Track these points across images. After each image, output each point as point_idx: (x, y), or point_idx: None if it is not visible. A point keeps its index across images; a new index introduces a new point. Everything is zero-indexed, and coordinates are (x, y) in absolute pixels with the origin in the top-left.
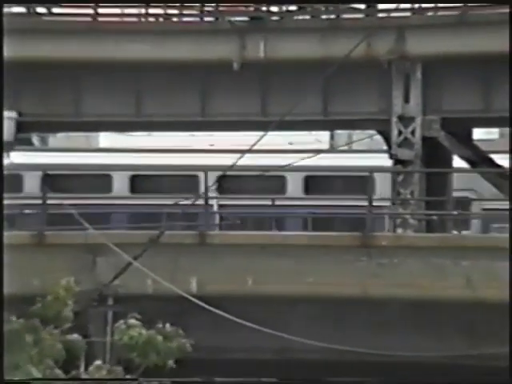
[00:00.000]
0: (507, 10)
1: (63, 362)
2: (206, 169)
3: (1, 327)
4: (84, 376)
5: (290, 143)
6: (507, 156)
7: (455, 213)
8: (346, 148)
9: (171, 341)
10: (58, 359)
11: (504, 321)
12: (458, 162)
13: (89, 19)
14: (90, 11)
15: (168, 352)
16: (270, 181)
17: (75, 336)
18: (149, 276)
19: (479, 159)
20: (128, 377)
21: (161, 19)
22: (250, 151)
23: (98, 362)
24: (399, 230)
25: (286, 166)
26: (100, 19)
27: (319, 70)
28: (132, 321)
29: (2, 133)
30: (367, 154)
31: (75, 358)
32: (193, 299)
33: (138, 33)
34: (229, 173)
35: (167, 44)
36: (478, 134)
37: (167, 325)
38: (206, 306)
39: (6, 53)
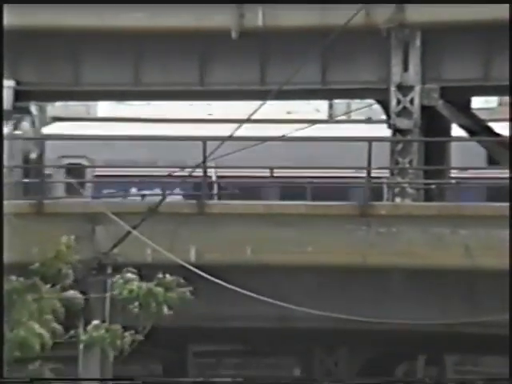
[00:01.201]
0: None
1: (63, 320)
2: (204, 139)
3: (1, 327)
4: (82, 336)
5: (288, 112)
6: (506, 124)
7: (454, 182)
8: (344, 118)
9: (171, 291)
10: (57, 316)
11: (503, 289)
12: (456, 131)
13: None
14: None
15: (169, 302)
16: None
17: (74, 292)
18: (148, 245)
19: (478, 128)
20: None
21: None
22: (248, 121)
23: (96, 321)
24: (397, 199)
25: (282, 136)
26: None
27: (318, 39)
28: (129, 275)
29: (1, 129)
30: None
31: (75, 315)
32: (192, 268)
33: (136, 1)
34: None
35: (165, 12)
36: (477, 102)
37: (167, 275)
38: (205, 275)
39: (4, 21)
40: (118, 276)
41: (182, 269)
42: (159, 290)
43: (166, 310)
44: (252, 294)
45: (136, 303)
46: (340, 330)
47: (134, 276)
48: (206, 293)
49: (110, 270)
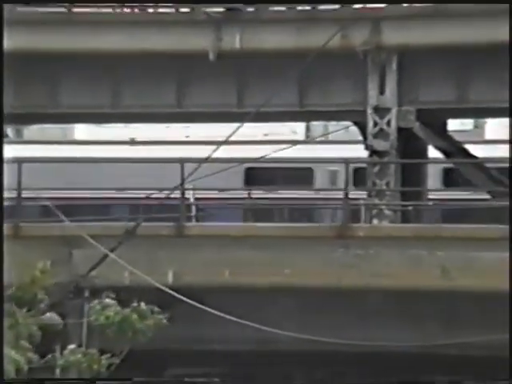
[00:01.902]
0: (483, 2)
1: (39, 345)
2: (182, 160)
3: (1, 327)
4: (59, 361)
5: (266, 134)
6: (482, 147)
7: (430, 203)
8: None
9: (147, 319)
10: (33, 341)
11: (480, 310)
12: (433, 153)
13: (64, 10)
14: (66, 2)
15: (145, 329)
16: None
17: (49, 315)
18: (126, 268)
19: (454, 150)
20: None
21: (136, 10)
22: (225, 143)
23: (73, 346)
24: (375, 221)
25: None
26: (76, 10)
27: (295, 61)
28: (107, 300)
29: (2, 131)
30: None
31: (52, 339)
32: (169, 291)
33: (113, 23)
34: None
35: (143, 35)
36: (453, 125)
37: (142, 303)
38: (183, 298)
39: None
40: (96, 301)
41: (160, 291)
42: (135, 317)
43: (141, 337)
44: (230, 317)
45: (112, 329)
46: (318, 352)
47: (111, 301)
48: (184, 315)
49: (87, 293)
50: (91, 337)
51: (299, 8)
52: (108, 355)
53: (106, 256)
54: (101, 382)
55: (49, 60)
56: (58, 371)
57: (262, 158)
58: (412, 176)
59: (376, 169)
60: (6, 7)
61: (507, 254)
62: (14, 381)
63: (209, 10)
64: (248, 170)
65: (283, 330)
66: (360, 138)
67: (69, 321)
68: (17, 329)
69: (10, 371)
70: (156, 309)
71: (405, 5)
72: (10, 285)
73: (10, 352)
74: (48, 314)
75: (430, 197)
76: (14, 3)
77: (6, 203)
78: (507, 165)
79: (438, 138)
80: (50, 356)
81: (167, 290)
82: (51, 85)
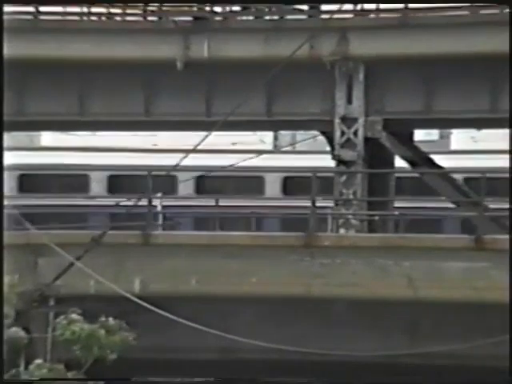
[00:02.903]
0: (446, 13)
1: (4, 360)
2: (149, 169)
3: (1, 328)
4: (24, 375)
5: (234, 143)
6: (446, 157)
7: (396, 213)
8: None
9: (114, 334)
10: None
11: (444, 320)
12: (399, 163)
13: (31, 17)
14: (32, 9)
15: (111, 345)
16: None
17: (15, 329)
18: (91, 276)
19: (420, 160)
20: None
21: (103, 18)
22: (193, 151)
23: (39, 361)
24: (342, 231)
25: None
26: (42, 17)
27: (263, 71)
28: (73, 315)
29: (2, 135)
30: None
31: (16, 355)
32: (136, 299)
33: (80, 31)
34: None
35: (110, 43)
36: (419, 135)
37: (110, 319)
38: (149, 307)
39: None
40: (62, 317)
41: (126, 300)
42: (101, 333)
43: (108, 353)
44: (196, 326)
45: (78, 345)
46: (284, 360)
47: (77, 317)
48: (150, 324)
49: (52, 302)
50: (56, 349)
51: (267, 17)
52: (74, 372)
53: (71, 264)
54: (101, 382)
55: (16, 67)
56: None
57: (229, 166)
58: (378, 186)
59: (343, 178)
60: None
61: (472, 264)
62: (14, 381)
63: (177, 18)
64: (198, 178)
65: (249, 338)
66: (324, 147)
67: (34, 334)
68: None
69: None
70: (124, 325)
71: (372, 16)
72: None
73: None
74: (13, 329)
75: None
76: (14, 3)
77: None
78: (473, 175)
79: (404, 147)
80: (14, 371)
81: (134, 298)
82: (18, 92)
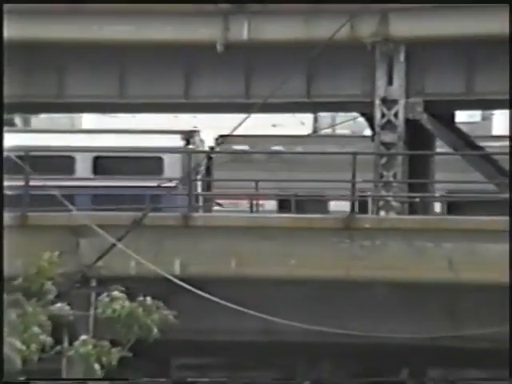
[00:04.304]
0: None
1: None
2: (189, 151)
3: (1, 327)
4: (69, 351)
5: (274, 125)
6: (489, 139)
7: (437, 195)
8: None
9: (151, 313)
10: (44, 329)
11: (486, 303)
12: (440, 144)
13: (72, 0)
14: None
15: (150, 324)
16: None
17: (60, 305)
18: (132, 258)
19: (462, 142)
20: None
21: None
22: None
23: (84, 337)
24: (382, 213)
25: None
26: (83, 0)
27: (303, 53)
28: (115, 293)
29: (2, 121)
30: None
31: (60, 331)
32: (176, 281)
33: (121, 14)
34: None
35: (150, 25)
36: (461, 116)
37: (148, 298)
38: (189, 288)
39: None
40: (105, 294)
41: (166, 281)
42: (141, 311)
43: (149, 332)
44: (236, 307)
45: (119, 324)
46: (324, 343)
47: (120, 294)
48: (190, 305)
49: (94, 283)
50: (98, 328)
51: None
52: (119, 348)
53: (113, 245)
54: (101, 382)
55: (57, 50)
56: (64, 362)
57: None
58: (419, 168)
59: (383, 160)
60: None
61: None
62: (13, 381)
63: (217, 0)
64: (96, 158)
65: (289, 320)
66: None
67: (76, 312)
68: (26, 319)
69: (16, 361)
70: (161, 304)
71: None
72: (16, 274)
73: (16, 343)
74: (58, 305)
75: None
76: (14, 3)
77: (13, 192)
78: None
79: (445, 129)
80: (59, 346)
81: (174, 279)
82: (59, 74)
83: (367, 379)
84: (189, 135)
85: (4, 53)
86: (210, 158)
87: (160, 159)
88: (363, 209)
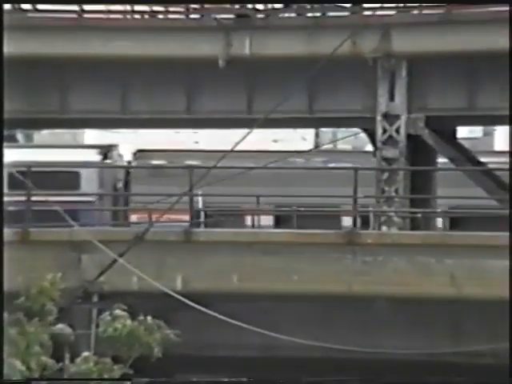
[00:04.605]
0: (491, 9)
1: (50, 355)
2: (191, 167)
3: (1, 327)
4: (71, 368)
5: (275, 141)
6: (491, 154)
7: (439, 210)
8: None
9: (153, 333)
10: (46, 350)
11: (488, 318)
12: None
13: (74, 16)
14: (76, 8)
15: (152, 343)
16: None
17: (61, 326)
18: (134, 273)
19: (463, 157)
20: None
21: (146, 16)
22: (232, 151)
23: (86, 353)
24: (384, 228)
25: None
26: (85, 16)
27: (305, 68)
28: (118, 311)
29: (2, 134)
30: None
31: (61, 350)
32: (178, 296)
33: (123, 30)
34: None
35: (153, 41)
36: (462, 132)
37: (148, 317)
38: (191, 303)
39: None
40: (107, 313)
41: (168, 297)
42: (141, 330)
43: (151, 350)
44: (238, 323)
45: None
46: (325, 359)
47: (122, 313)
48: (192, 321)
49: (95, 299)
50: (99, 345)
51: (309, 14)
52: (121, 365)
53: (114, 261)
54: (101, 382)
55: (59, 65)
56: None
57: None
58: (421, 183)
59: (385, 176)
60: (16, 14)
61: None
62: (13, 381)
63: (219, 16)
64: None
65: (291, 336)
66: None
67: (78, 330)
68: (26, 338)
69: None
70: (162, 324)
71: (415, 12)
72: (18, 291)
73: (16, 364)
74: (59, 325)
75: None
76: (15, 3)
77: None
78: None
79: (447, 145)
80: (61, 364)
81: (175, 295)
82: (61, 90)
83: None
84: (106, 150)
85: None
86: (128, 173)
87: (77, 174)
88: (365, 224)
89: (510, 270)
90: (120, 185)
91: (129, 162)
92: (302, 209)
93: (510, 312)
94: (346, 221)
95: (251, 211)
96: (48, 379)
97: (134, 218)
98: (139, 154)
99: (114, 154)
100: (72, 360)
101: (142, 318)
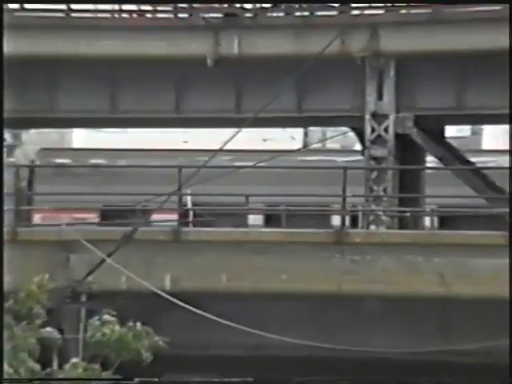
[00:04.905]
0: (479, 8)
1: (37, 359)
2: (179, 166)
3: (1, 328)
4: (59, 374)
5: (264, 140)
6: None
7: (427, 209)
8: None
9: (141, 339)
10: (32, 354)
11: (476, 317)
12: (430, 159)
13: (62, 15)
14: (64, 7)
15: (140, 350)
16: None
17: (49, 330)
18: (123, 273)
19: (451, 156)
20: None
21: (134, 15)
22: (221, 150)
23: (74, 360)
24: (372, 227)
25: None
26: (74, 15)
27: (293, 67)
28: (107, 317)
29: (2, 134)
30: None
31: (49, 353)
32: (166, 296)
33: (112, 29)
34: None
35: (141, 40)
36: (451, 131)
37: (138, 323)
38: (180, 303)
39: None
40: (96, 317)
41: (157, 296)
42: (130, 337)
43: (140, 356)
44: (227, 322)
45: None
46: (315, 357)
47: (111, 318)
48: (181, 320)
49: (84, 298)
50: (88, 349)
51: (297, 14)
52: (109, 372)
53: (103, 261)
54: (100, 382)
55: (47, 64)
56: None
57: (258, 163)
58: (409, 182)
59: (373, 175)
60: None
61: (503, 261)
62: (13, 381)
63: (207, 15)
64: None
65: (280, 335)
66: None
67: (67, 334)
68: (15, 342)
69: None
70: (151, 330)
71: (403, 11)
72: (7, 291)
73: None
74: (47, 329)
75: None
76: (15, 3)
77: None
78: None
79: (435, 144)
80: (48, 370)
81: (164, 294)
82: (49, 89)
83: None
84: (8, 149)
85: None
86: (32, 172)
87: None
88: (355, 223)
89: (509, 269)
90: (24, 184)
91: (32, 162)
92: (292, 208)
93: (510, 311)
94: (337, 220)
95: (240, 210)
96: (48, 379)
97: (37, 218)
98: (43, 152)
99: (18, 154)
100: (60, 365)
101: (131, 324)
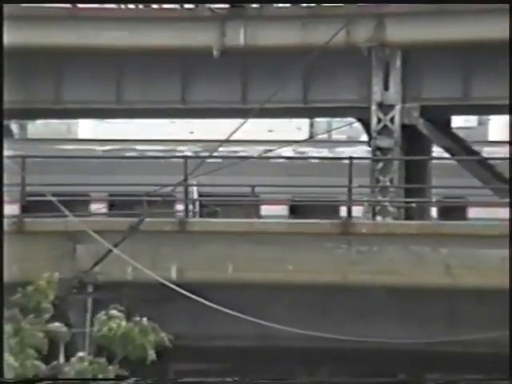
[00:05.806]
0: (483, 1)
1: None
2: (185, 157)
3: (1, 327)
4: (65, 367)
5: (270, 131)
6: (486, 144)
7: (434, 200)
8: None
9: (147, 335)
10: (40, 349)
11: (483, 308)
12: (436, 150)
13: (69, 6)
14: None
15: (145, 345)
16: None
17: (57, 324)
18: (129, 263)
19: (458, 147)
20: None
21: (140, 6)
22: (227, 141)
23: (81, 354)
24: (378, 218)
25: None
26: (79, 6)
27: (299, 58)
28: (114, 311)
29: (1, 131)
30: None
31: (56, 347)
32: (173, 286)
33: (117, 20)
34: None
35: (147, 31)
36: (457, 121)
37: (144, 318)
38: (186, 293)
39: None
40: (103, 312)
41: (163, 287)
42: (136, 332)
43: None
44: (233, 313)
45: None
46: (321, 348)
47: (118, 313)
48: (186, 311)
49: (90, 289)
50: (93, 344)
51: (304, 4)
52: (116, 365)
53: (109, 251)
54: (101, 381)
55: (53, 55)
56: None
57: (264, 154)
58: (415, 173)
59: (380, 165)
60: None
61: (510, 251)
62: (13, 381)
63: (213, 6)
64: None
65: (286, 326)
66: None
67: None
68: (21, 335)
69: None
70: (156, 326)
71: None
72: (14, 281)
73: (10, 359)
74: (55, 324)
75: None
76: (14, 3)
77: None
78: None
79: (441, 134)
80: (55, 363)
81: (170, 285)
82: (55, 80)
83: (367, 379)
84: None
85: (4, 53)
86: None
87: None
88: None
89: (510, 260)
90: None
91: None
92: (298, 199)
93: (509, 303)
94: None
95: (248, 202)
96: (49, 379)
97: None
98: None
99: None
100: (67, 356)
101: (137, 319)
